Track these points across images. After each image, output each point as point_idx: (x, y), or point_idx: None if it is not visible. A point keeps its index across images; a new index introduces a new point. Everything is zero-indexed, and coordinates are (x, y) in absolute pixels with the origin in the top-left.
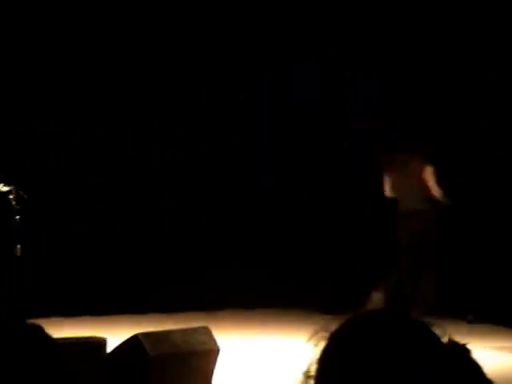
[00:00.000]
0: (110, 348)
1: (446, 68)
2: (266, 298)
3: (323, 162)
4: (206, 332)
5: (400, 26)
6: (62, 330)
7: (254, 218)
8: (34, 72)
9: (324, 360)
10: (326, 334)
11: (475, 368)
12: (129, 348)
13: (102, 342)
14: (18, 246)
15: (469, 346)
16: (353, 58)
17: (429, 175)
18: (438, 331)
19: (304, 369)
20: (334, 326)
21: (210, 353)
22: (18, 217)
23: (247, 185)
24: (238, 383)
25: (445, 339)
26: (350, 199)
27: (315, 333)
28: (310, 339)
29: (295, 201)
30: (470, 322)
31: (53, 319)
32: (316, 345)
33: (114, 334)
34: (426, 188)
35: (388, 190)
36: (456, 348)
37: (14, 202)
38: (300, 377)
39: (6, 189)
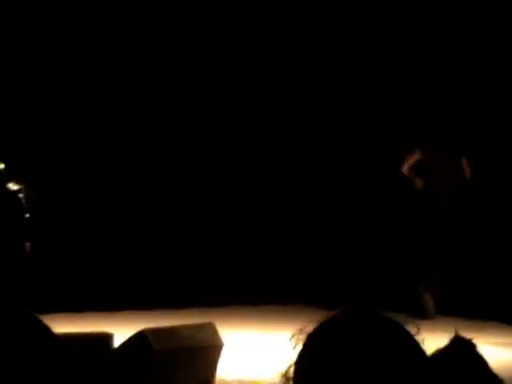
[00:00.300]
0: (116, 343)
1: (445, 68)
2: (266, 296)
3: (323, 162)
4: (211, 328)
5: (400, 26)
6: (70, 326)
7: (254, 218)
8: (33, 72)
9: (301, 362)
10: (303, 336)
11: (481, 362)
12: (135, 343)
13: (109, 338)
14: (28, 243)
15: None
16: (353, 57)
17: (465, 164)
18: (410, 329)
19: (283, 370)
20: (310, 328)
21: (214, 348)
22: (27, 215)
23: (247, 185)
24: (242, 377)
25: (418, 337)
26: (350, 199)
27: (293, 335)
28: (291, 338)
29: (295, 201)
30: (469, 318)
31: (61, 315)
32: (294, 347)
33: (121, 330)
34: (463, 175)
35: (407, 168)
36: (462, 343)
37: (23, 201)
38: (279, 378)
39: (16, 187)
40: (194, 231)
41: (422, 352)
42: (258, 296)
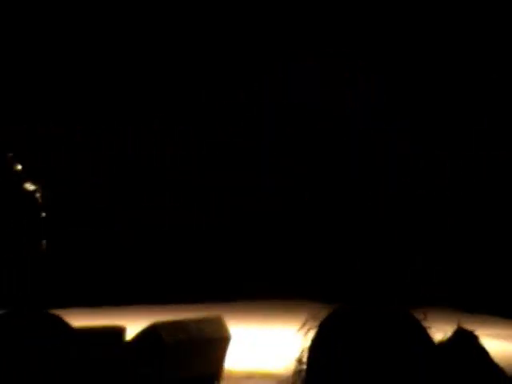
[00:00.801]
0: (129, 336)
1: (445, 68)
2: (268, 292)
3: (323, 162)
4: (219, 321)
5: (400, 26)
6: (85, 321)
7: (254, 218)
8: (34, 72)
9: (314, 348)
10: (316, 324)
11: (483, 353)
12: (146, 336)
13: (121, 331)
14: (44, 241)
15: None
16: (353, 57)
17: None
18: (418, 316)
19: (296, 356)
20: (322, 316)
21: (222, 340)
22: (43, 214)
23: (247, 185)
24: (248, 368)
25: (424, 323)
26: (350, 199)
27: (305, 322)
28: (300, 328)
29: (295, 201)
30: (465, 311)
31: (76, 310)
32: (306, 333)
33: (133, 324)
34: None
35: None
36: (465, 334)
37: (40, 200)
38: (293, 363)
39: (32, 187)
40: (194, 231)
41: (429, 338)
42: (261, 293)
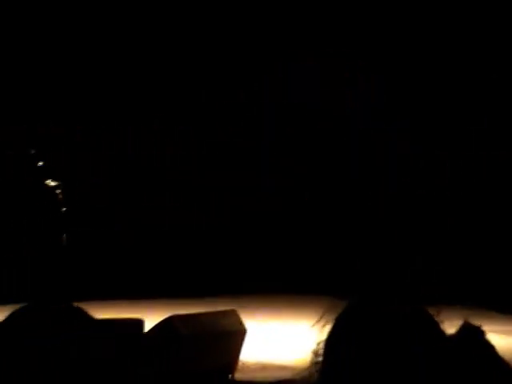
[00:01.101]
0: (146, 328)
1: (445, 68)
2: (278, 290)
3: (323, 162)
4: (234, 315)
5: (400, 26)
6: (105, 313)
7: (254, 218)
8: (33, 72)
9: (330, 340)
10: (332, 317)
11: (489, 347)
12: (163, 328)
13: (139, 323)
14: (64, 235)
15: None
16: (353, 57)
17: None
18: (431, 311)
19: (313, 348)
20: (338, 310)
21: (237, 333)
22: (64, 209)
23: (247, 185)
24: (262, 361)
25: (438, 318)
26: (350, 199)
27: (322, 316)
28: (317, 321)
29: (295, 201)
30: (467, 307)
31: (96, 303)
32: (323, 326)
33: (150, 316)
34: None
35: None
36: (471, 329)
37: (60, 196)
38: (310, 355)
39: (53, 184)
40: (194, 231)
41: (441, 332)
42: (275, 287)
